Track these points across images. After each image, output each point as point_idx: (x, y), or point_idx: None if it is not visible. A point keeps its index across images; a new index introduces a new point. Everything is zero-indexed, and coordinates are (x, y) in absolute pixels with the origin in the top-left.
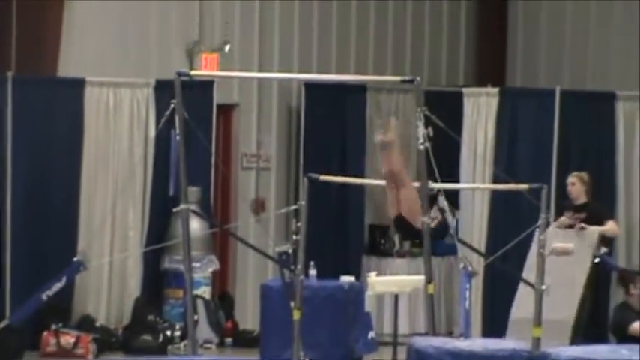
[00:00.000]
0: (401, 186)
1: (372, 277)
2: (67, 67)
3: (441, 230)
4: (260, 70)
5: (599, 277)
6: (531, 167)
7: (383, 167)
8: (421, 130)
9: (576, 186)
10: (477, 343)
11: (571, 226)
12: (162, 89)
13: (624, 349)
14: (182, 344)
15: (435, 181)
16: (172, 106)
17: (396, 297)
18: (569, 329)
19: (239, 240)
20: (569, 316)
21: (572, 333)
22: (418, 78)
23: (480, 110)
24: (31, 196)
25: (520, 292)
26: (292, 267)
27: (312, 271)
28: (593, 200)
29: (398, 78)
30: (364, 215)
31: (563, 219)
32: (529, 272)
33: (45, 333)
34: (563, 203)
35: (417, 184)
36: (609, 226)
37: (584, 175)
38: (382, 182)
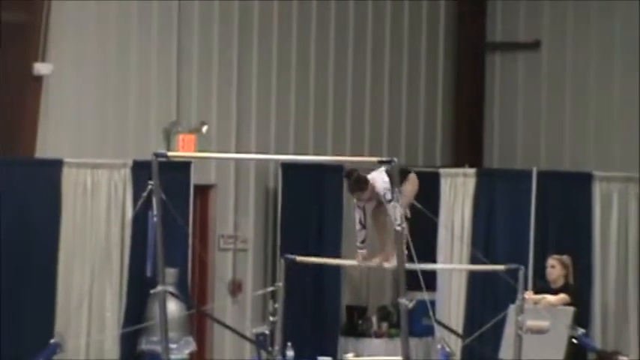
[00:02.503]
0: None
1: (350, 358)
2: (44, 149)
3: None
4: (237, 151)
5: (577, 358)
6: (509, 248)
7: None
8: (398, 211)
9: (556, 269)
10: None
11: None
12: (140, 170)
13: None
14: None
15: (412, 262)
16: (149, 187)
17: None
18: None
19: (216, 321)
20: None
21: None
22: (395, 159)
23: (457, 191)
24: (8, 276)
25: None
26: (270, 348)
27: (290, 353)
28: (572, 282)
29: (375, 159)
30: (341, 296)
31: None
32: (506, 352)
33: None
34: (539, 284)
35: (393, 265)
36: (560, 297)
37: (565, 258)
38: (358, 263)
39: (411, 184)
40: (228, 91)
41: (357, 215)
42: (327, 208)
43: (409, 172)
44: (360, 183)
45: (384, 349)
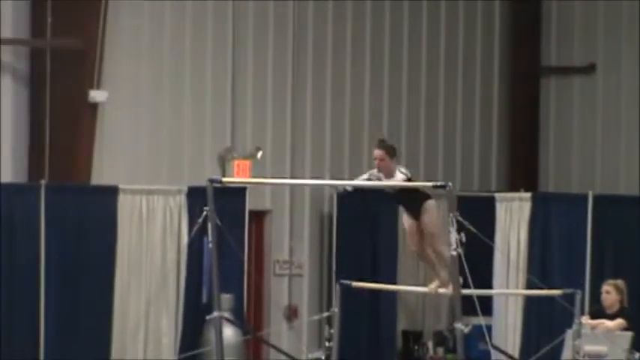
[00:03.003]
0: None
1: None
2: (100, 175)
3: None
4: (292, 177)
5: None
6: (565, 272)
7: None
8: (453, 236)
9: (611, 294)
10: None
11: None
12: (195, 196)
13: None
14: None
15: (468, 287)
16: (205, 213)
17: None
18: None
19: (272, 347)
20: None
21: None
22: (450, 183)
23: (513, 215)
24: (65, 303)
25: None
26: None
27: None
28: (628, 307)
29: (430, 184)
30: (396, 321)
31: (585, 321)
32: None
33: None
34: (594, 307)
35: (448, 291)
36: (618, 322)
37: (620, 282)
38: (414, 289)
39: (429, 215)
40: (282, 116)
41: (365, 176)
42: (382, 233)
43: (427, 198)
44: (391, 145)
45: None
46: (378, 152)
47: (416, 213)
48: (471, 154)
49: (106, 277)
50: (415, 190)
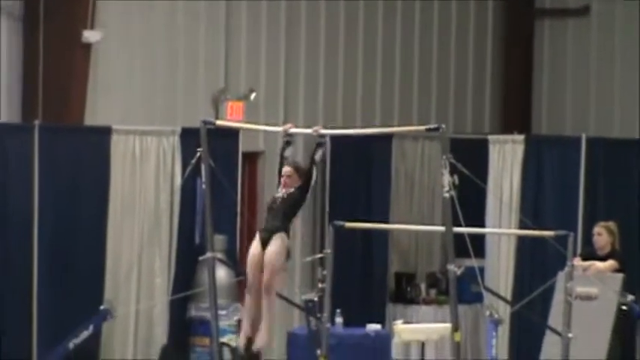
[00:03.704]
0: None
1: (399, 325)
2: (93, 116)
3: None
4: (286, 118)
5: (626, 325)
6: (557, 215)
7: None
8: (446, 178)
9: (603, 236)
10: None
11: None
12: (189, 137)
13: None
14: None
15: (460, 227)
16: (198, 154)
17: (423, 345)
18: None
19: None
20: None
21: None
22: (443, 126)
23: (506, 158)
24: (58, 244)
25: (547, 339)
26: (318, 315)
27: (339, 319)
28: (619, 249)
29: (422, 127)
30: (389, 263)
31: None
32: (555, 319)
33: None
34: (586, 250)
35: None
36: (609, 264)
37: (612, 224)
38: (407, 227)
39: (276, 245)
40: (276, 58)
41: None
42: (375, 175)
43: (285, 230)
44: (300, 166)
45: (433, 315)
46: (286, 169)
47: (267, 238)
48: (465, 96)
49: (99, 218)
50: (288, 215)
